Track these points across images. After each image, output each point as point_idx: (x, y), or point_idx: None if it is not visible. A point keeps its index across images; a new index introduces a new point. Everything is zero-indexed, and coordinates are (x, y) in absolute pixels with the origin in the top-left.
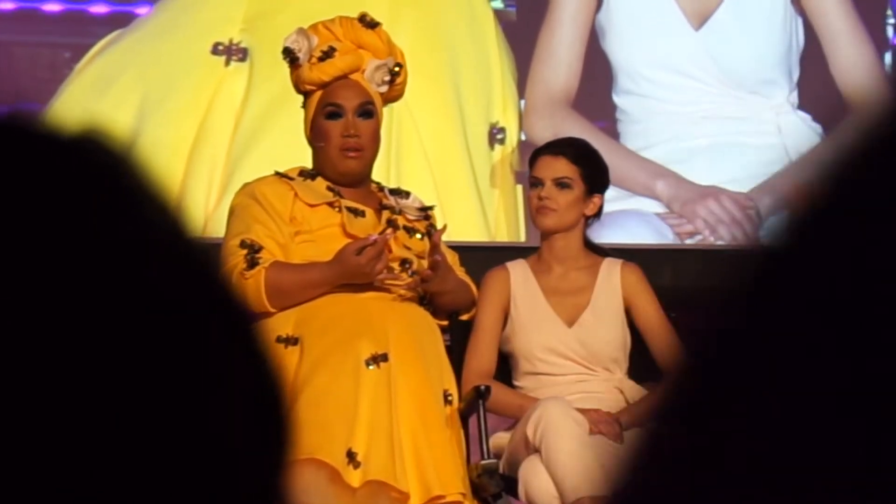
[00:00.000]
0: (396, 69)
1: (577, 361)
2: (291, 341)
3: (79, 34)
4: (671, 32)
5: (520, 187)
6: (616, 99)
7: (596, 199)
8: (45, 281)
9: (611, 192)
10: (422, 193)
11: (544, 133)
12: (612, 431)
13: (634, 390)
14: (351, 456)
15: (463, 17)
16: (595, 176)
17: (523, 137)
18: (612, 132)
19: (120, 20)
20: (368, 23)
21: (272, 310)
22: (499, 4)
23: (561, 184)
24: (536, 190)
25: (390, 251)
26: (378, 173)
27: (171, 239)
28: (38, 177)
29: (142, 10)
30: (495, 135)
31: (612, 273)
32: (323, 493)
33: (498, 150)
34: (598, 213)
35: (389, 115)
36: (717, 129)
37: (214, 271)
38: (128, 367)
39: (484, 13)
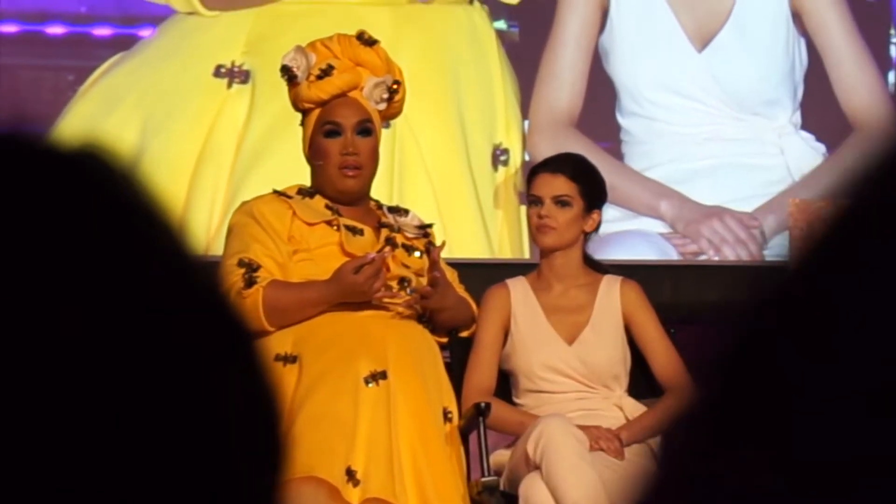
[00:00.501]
0: (395, 86)
1: (578, 379)
2: (290, 359)
3: (82, 57)
4: (674, 54)
5: (523, 208)
6: (620, 120)
7: (595, 216)
8: (45, 296)
9: (615, 213)
10: (424, 212)
11: (548, 153)
12: (612, 448)
13: (634, 407)
14: (350, 474)
15: (465, 38)
16: (593, 192)
17: (527, 158)
18: (616, 153)
19: (123, 43)
20: (366, 40)
21: (270, 329)
22: (502, 25)
23: (560, 202)
24: (536, 208)
25: (388, 269)
26: (380, 192)
27: (172, 254)
28: (38, 192)
29: (145, 33)
30: (498, 156)
31: (611, 290)
32: None
33: (501, 171)
34: (597, 228)
35: (392, 135)
36: (720, 150)
37: (215, 288)
38: (126, 384)
39: (486, 34)
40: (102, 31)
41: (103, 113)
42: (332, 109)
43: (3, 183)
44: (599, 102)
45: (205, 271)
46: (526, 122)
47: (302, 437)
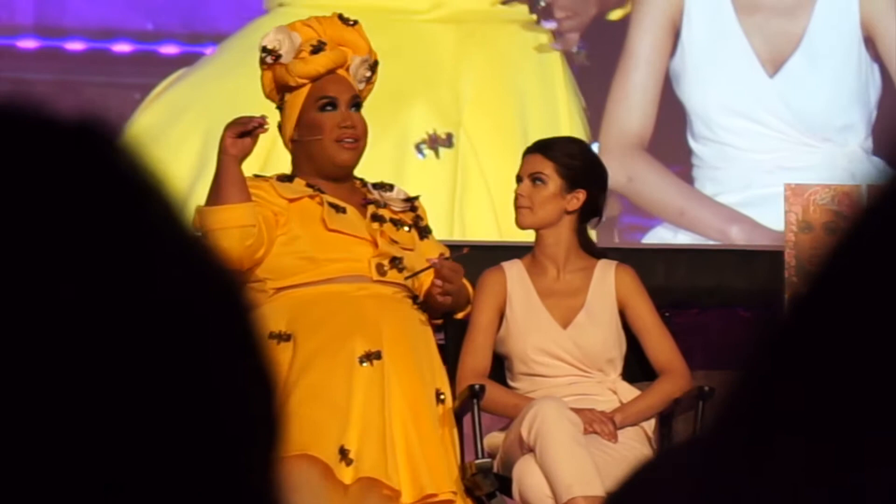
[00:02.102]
0: (374, 66)
1: (572, 363)
2: (284, 337)
3: (148, 75)
4: (746, 78)
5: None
6: (691, 144)
7: (579, 195)
8: (41, 272)
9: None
10: (484, 231)
11: (618, 177)
12: (606, 430)
13: (629, 391)
14: (343, 453)
15: (530, 59)
16: (575, 171)
17: None
18: (687, 177)
19: (190, 61)
20: (347, 20)
21: (220, 204)
22: (573, 48)
23: (535, 179)
24: (517, 187)
25: (376, 246)
26: (440, 209)
27: (170, 227)
28: (34, 162)
29: (211, 51)
30: None
31: (606, 275)
32: (315, 490)
33: None
34: (598, 213)
35: (454, 153)
36: (791, 176)
37: (215, 261)
38: (123, 360)
39: (552, 55)
40: (169, 49)
41: (167, 125)
42: (326, 84)
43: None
44: (670, 126)
45: (205, 245)
46: (595, 145)
47: (295, 415)
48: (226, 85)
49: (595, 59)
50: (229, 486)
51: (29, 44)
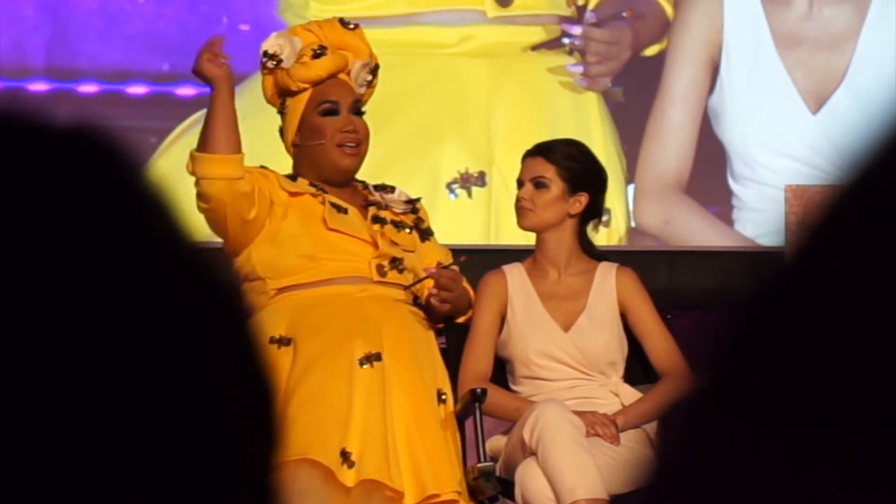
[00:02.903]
0: (375, 71)
1: (574, 366)
2: (285, 342)
3: (165, 118)
4: (788, 116)
5: None
6: (731, 184)
7: (581, 198)
8: (33, 276)
9: None
10: None
11: (655, 218)
12: (608, 433)
13: (630, 394)
14: (345, 455)
15: (565, 94)
16: (577, 175)
17: (633, 224)
18: (727, 218)
19: (208, 103)
20: (348, 25)
21: (210, 153)
22: (608, 85)
23: (537, 183)
24: (519, 191)
25: (377, 247)
26: (474, 243)
27: (166, 234)
28: (28, 169)
29: None
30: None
31: (607, 277)
32: (317, 494)
33: (603, 233)
34: (598, 215)
35: (487, 195)
36: None
37: (212, 268)
38: (117, 363)
39: (588, 92)
40: (186, 91)
41: (185, 170)
42: (328, 89)
43: None
44: (709, 165)
45: (199, 250)
46: (631, 186)
47: (296, 418)
48: (245, 129)
49: (632, 95)
50: (227, 490)
51: (40, 87)
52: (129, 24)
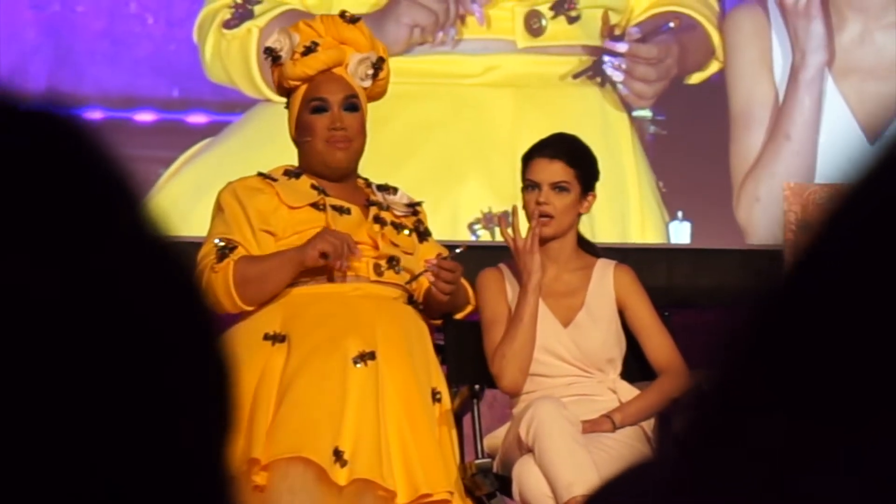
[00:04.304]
0: (379, 63)
1: (572, 363)
2: (279, 339)
3: (175, 147)
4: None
5: None
6: None
7: (590, 198)
8: None
9: None
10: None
11: None
12: (604, 426)
13: (628, 391)
14: (338, 454)
15: (595, 127)
16: (589, 175)
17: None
18: None
19: (221, 131)
20: (349, 18)
21: (242, 303)
22: (646, 113)
23: (558, 188)
24: (533, 194)
25: (377, 248)
26: None
27: (128, 217)
28: None
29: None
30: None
31: (605, 275)
32: (310, 493)
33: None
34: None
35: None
36: None
37: (172, 254)
38: (71, 343)
39: (618, 121)
40: (197, 119)
41: (191, 200)
42: (318, 86)
43: None
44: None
45: (163, 238)
46: (687, 224)
47: (289, 416)
48: (255, 158)
49: (673, 126)
50: (178, 475)
51: None
52: (136, 47)
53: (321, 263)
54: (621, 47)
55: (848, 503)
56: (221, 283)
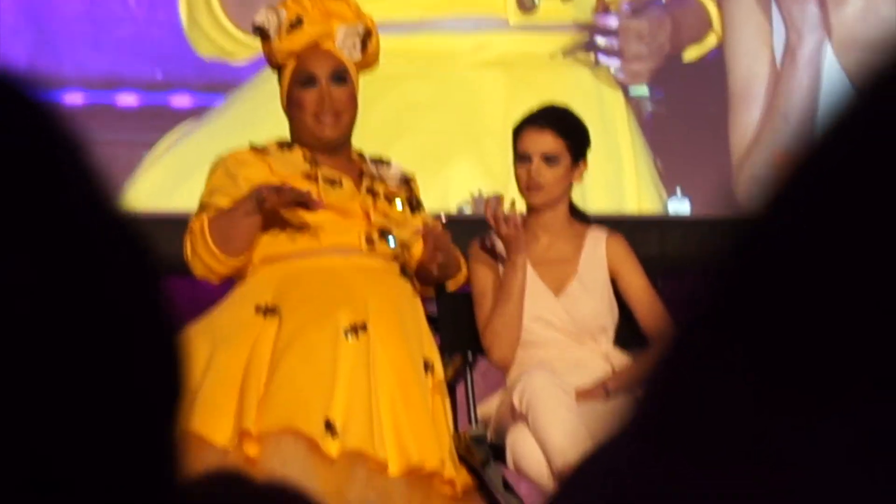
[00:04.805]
0: (366, 35)
1: (565, 331)
2: (270, 311)
3: (158, 130)
4: None
5: None
6: None
7: (581, 167)
8: None
9: None
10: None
11: None
12: (598, 393)
13: (621, 359)
14: (329, 425)
15: (591, 107)
16: (580, 144)
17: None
18: None
19: (203, 113)
20: None
21: (222, 254)
22: (644, 92)
23: (549, 159)
24: (524, 166)
25: (369, 220)
26: None
27: (79, 181)
28: None
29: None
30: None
31: (597, 243)
32: (301, 464)
33: None
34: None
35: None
36: None
37: (121, 222)
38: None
39: (613, 100)
40: (181, 101)
41: (173, 184)
42: (306, 60)
43: None
44: None
45: (118, 210)
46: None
47: (281, 388)
48: (240, 140)
49: (671, 104)
50: (128, 438)
51: None
52: (118, 29)
53: (274, 200)
54: (612, 22)
55: (821, 472)
56: (199, 239)
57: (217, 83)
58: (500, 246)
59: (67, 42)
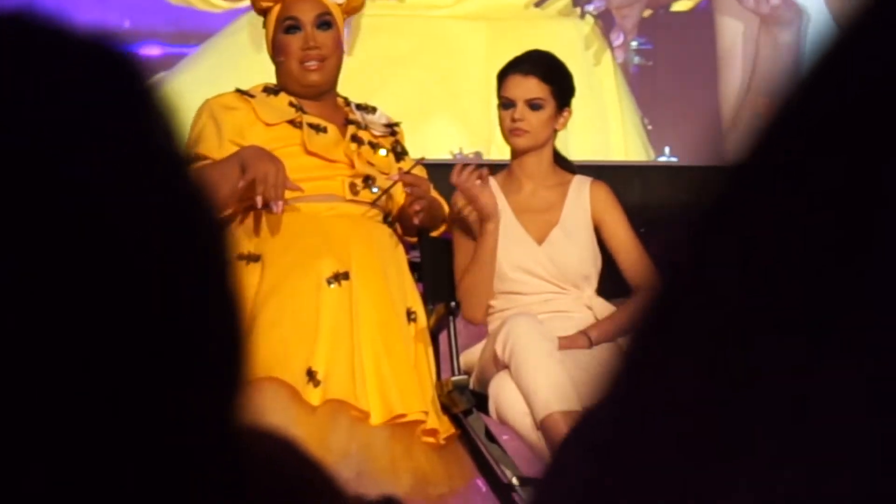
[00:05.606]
0: None
1: (547, 279)
2: (253, 258)
3: None
4: None
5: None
6: None
7: (566, 114)
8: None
9: None
10: None
11: None
12: (579, 342)
13: (604, 307)
14: (311, 374)
15: (576, 64)
16: (564, 91)
17: None
18: None
19: (176, 65)
20: None
21: None
22: (632, 43)
23: (533, 105)
24: (509, 111)
25: (353, 167)
26: None
27: (168, 149)
28: (47, 66)
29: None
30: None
31: (581, 191)
32: (282, 412)
33: None
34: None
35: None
36: None
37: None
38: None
39: (600, 55)
40: (151, 51)
41: None
42: (290, 5)
43: None
44: None
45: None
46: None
47: (263, 337)
48: (215, 91)
49: (660, 55)
50: (192, 407)
51: None
52: None
53: (247, 185)
54: None
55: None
56: None
57: (187, 33)
58: (487, 188)
59: None
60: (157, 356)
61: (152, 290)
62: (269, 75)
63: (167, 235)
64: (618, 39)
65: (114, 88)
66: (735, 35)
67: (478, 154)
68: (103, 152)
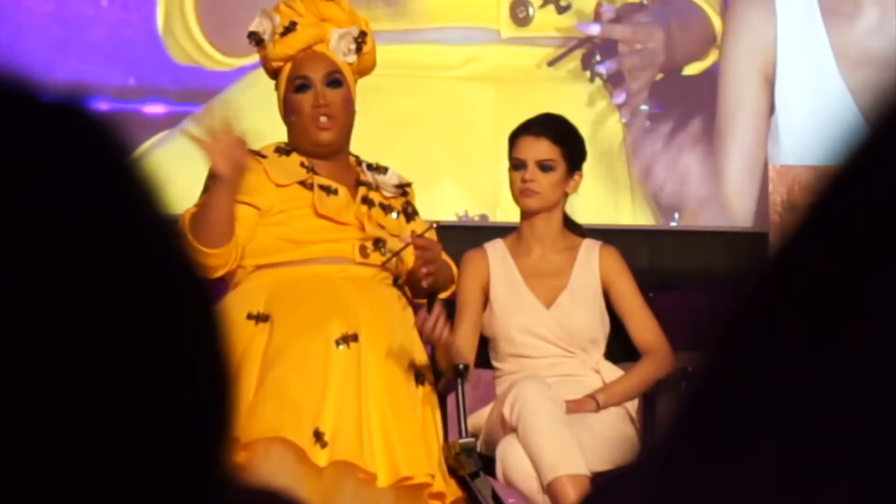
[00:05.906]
0: (361, 37)
1: (555, 343)
2: (262, 318)
3: (131, 139)
4: None
5: None
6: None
7: (577, 178)
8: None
9: None
10: None
11: None
12: (587, 407)
13: (612, 371)
14: (318, 435)
15: (583, 124)
16: (575, 154)
17: None
18: None
19: (180, 123)
20: None
21: (201, 245)
22: (643, 107)
23: (544, 166)
24: (519, 172)
25: (363, 230)
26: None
27: (148, 216)
28: (15, 135)
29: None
30: None
31: (590, 255)
32: (289, 473)
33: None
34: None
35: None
36: None
37: (184, 252)
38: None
39: (609, 120)
40: (155, 109)
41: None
42: (300, 64)
43: None
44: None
45: (169, 224)
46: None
47: (270, 397)
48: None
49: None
50: (177, 461)
51: None
52: (89, 32)
53: (227, 165)
54: (594, 29)
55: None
56: (181, 227)
57: (192, 91)
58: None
59: (35, 45)
60: (138, 423)
61: (137, 361)
62: (274, 135)
63: (151, 308)
64: (619, 98)
65: (83, 160)
66: (738, 98)
67: (483, 216)
68: (81, 234)
